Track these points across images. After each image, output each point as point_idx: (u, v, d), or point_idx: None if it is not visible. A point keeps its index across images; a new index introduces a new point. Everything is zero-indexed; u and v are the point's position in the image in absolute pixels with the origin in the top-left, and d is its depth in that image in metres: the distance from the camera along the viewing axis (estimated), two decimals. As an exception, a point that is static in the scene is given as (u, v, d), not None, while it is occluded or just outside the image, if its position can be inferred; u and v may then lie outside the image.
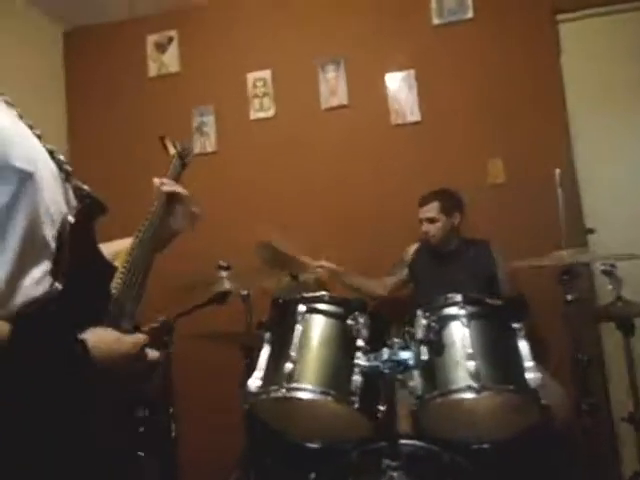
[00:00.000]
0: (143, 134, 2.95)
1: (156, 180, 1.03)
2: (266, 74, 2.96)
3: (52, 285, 0.72)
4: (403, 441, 1.47)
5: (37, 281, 0.71)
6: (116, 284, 0.84)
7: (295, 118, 2.91)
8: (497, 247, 2.31)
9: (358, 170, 2.82)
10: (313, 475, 1.75)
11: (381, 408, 1.38)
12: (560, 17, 2.72)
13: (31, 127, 0.85)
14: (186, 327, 2.18)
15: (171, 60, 3.10)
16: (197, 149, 2.98)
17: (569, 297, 1.47)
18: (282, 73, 2.95)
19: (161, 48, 3.14)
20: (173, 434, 1.81)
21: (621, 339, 1.71)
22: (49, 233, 0.73)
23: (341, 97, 2.87)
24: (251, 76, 2.97)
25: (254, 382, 1.47)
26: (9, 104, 0.82)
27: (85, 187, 0.88)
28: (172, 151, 1.13)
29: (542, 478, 1.67)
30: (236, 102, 2.97)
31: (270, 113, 2.94)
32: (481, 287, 2.15)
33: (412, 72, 2.80)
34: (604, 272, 1.69)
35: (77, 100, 3.17)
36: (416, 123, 2.79)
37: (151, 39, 3.12)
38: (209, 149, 3.00)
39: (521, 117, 2.65)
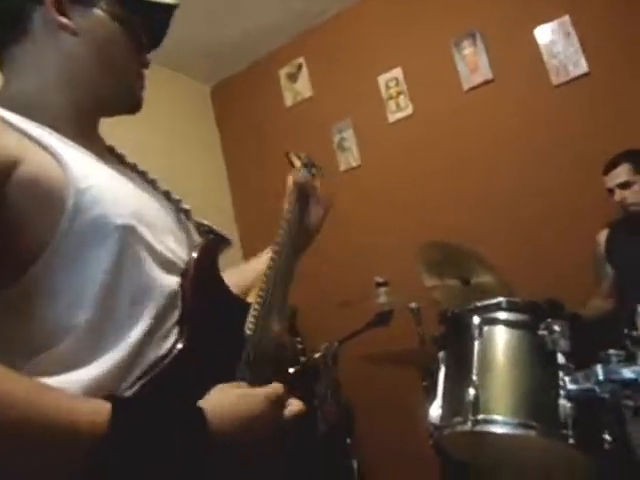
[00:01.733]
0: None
1: (288, 179, 0.96)
2: (397, 72, 2.78)
3: (175, 343, 0.62)
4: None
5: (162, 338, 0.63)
6: (251, 321, 0.73)
7: (435, 109, 2.65)
8: None
9: (518, 151, 2.43)
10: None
11: (607, 440, 1.04)
12: None
13: (144, 173, 0.81)
14: (355, 349, 2.09)
15: (303, 86, 3.13)
16: (342, 167, 2.93)
17: None
18: (413, 66, 2.73)
19: (293, 77, 3.19)
20: (355, 467, 1.68)
21: None
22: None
23: (484, 72, 2.53)
24: (382, 78, 2.82)
25: (435, 411, 1.26)
26: (116, 154, 0.79)
27: (206, 222, 0.81)
28: (297, 164, 1.04)
29: None
30: (372, 108, 2.84)
31: (408, 111, 2.74)
32: None
33: (566, 18, 2.33)
34: None
35: (232, 148, 3.39)
36: (584, 76, 2.30)
37: (283, 72, 3.20)
38: (353, 164, 2.91)
39: None
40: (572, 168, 2.28)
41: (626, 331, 1.11)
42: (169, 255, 0.68)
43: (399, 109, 2.77)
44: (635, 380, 0.93)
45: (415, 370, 2.03)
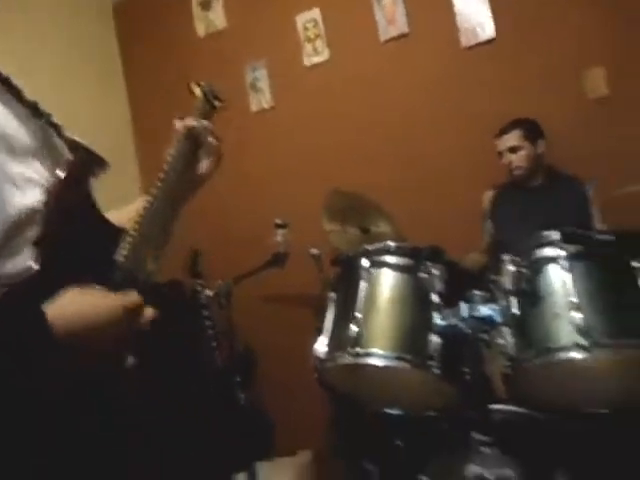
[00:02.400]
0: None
1: (175, 121, 0.87)
2: (315, 13, 2.70)
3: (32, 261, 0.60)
4: (496, 407, 1.26)
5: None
6: (124, 248, 0.71)
7: (352, 58, 2.63)
8: (591, 181, 1.94)
9: (426, 106, 2.51)
10: (399, 442, 1.61)
11: (466, 372, 1.17)
12: None
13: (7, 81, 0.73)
14: (253, 289, 2.11)
15: (217, 16, 2.93)
16: (254, 108, 2.84)
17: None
18: (331, 8, 2.66)
19: (206, 5, 2.98)
20: (242, 403, 1.75)
21: None
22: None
23: (400, 25, 2.54)
24: (300, 18, 2.73)
25: (320, 347, 1.33)
26: None
27: (79, 140, 0.76)
28: (197, 92, 0.97)
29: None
30: (288, 50, 2.76)
31: (324, 56, 2.69)
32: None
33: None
34: None
35: (135, 76, 3.13)
36: (490, 41, 2.39)
37: (195, -1, 2.96)
38: (265, 105, 2.83)
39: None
40: (473, 129, 2.40)
41: (492, 276, 1.23)
42: (28, 174, 0.64)
43: (316, 53, 2.71)
44: (489, 317, 1.05)
45: (314, 314, 2.11)
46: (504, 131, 2.12)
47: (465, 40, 2.44)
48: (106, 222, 0.75)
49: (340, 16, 2.64)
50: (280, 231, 1.85)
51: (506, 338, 1.15)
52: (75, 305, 0.59)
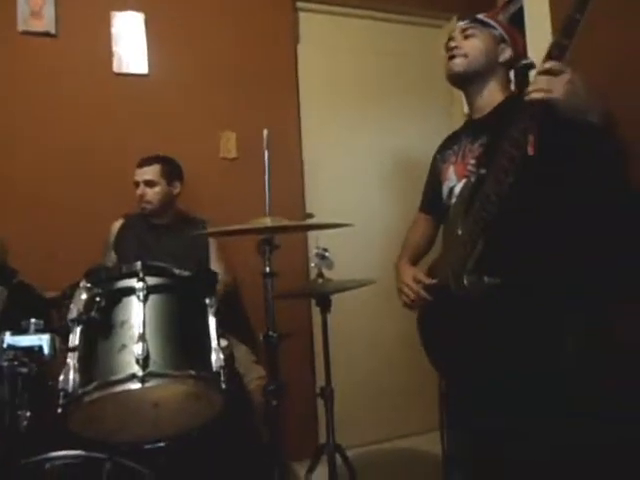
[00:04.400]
0: None
1: None
2: None
3: None
4: (51, 455, 1.11)
5: None
6: None
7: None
8: (213, 226, 2.14)
9: (61, 120, 2.28)
10: None
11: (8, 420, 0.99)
12: (300, 5, 2.73)
13: None
14: None
15: None
16: None
17: (267, 269, 1.34)
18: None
19: None
20: None
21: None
22: None
23: (48, 23, 2.28)
24: None
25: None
26: None
27: None
28: None
29: (235, 462, 1.54)
30: None
31: None
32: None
33: (142, 15, 2.42)
34: (316, 255, 1.73)
35: None
36: (142, 76, 2.41)
37: None
38: None
39: (255, 93, 2.55)
40: (115, 156, 2.30)
41: (66, 303, 1.13)
42: None
43: None
44: (33, 347, 0.93)
45: None
46: (144, 163, 2.11)
47: (117, 66, 2.38)
48: None
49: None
50: None
51: (68, 373, 1.05)
52: None
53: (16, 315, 1.06)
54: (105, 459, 1.16)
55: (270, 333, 1.32)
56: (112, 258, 2.10)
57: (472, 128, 1.42)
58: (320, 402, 1.85)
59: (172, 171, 2.15)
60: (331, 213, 2.52)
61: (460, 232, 1.28)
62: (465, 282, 1.22)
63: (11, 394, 0.94)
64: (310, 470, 1.77)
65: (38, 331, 0.96)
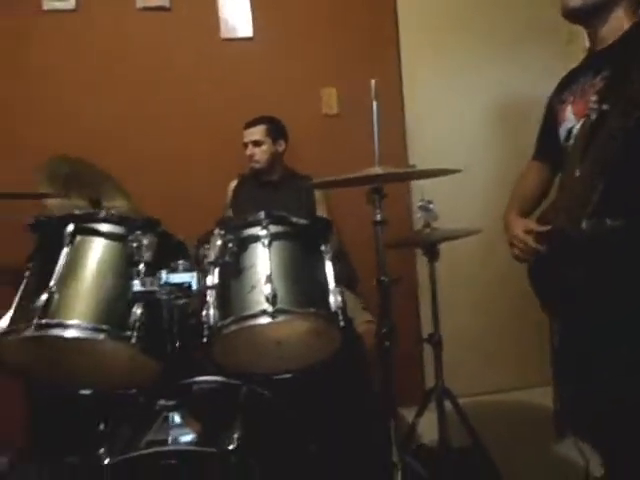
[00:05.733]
0: None
1: None
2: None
3: None
4: (198, 378, 1.30)
5: None
6: None
7: (102, 15, 2.41)
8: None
9: (187, 88, 2.47)
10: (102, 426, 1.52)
11: (166, 342, 1.17)
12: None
13: None
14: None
15: None
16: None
17: (378, 217, 1.39)
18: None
19: None
20: None
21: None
22: None
23: (162, -3, 2.45)
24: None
25: (2, 322, 1.15)
26: None
27: None
28: None
29: (347, 404, 1.66)
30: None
31: (69, 4, 2.40)
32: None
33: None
34: (420, 207, 1.75)
35: None
36: (247, 39, 2.51)
37: None
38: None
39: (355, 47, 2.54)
40: (226, 119, 2.46)
41: (202, 250, 1.28)
42: None
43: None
44: (184, 284, 1.08)
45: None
46: (251, 124, 2.25)
47: (225, 32, 2.50)
48: None
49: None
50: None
51: (210, 308, 1.20)
52: None
53: (164, 258, 1.23)
54: (241, 385, 1.33)
55: (382, 278, 1.38)
56: (229, 214, 2.29)
57: (593, 61, 1.31)
58: (427, 349, 1.90)
59: (276, 130, 2.28)
60: (434, 164, 2.47)
61: (578, 173, 1.22)
62: (584, 226, 1.17)
63: (169, 323, 1.11)
64: (418, 415, 1.84)
65: (186, 270, 1.12)
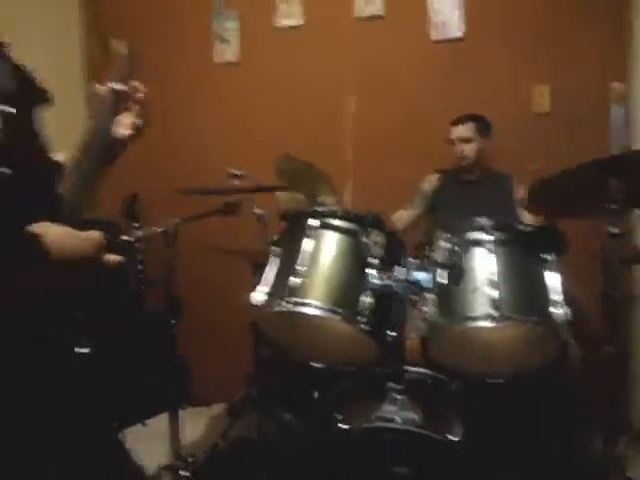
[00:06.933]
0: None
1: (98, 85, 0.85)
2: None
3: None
4: (409, 367, 1.39)
5: None
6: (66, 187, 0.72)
7: (325, 27, 2.67)
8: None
9: (389, 88, 2.61)
10: (316, 395, 1.73)
11: (390, 332, 1.29)
12: None
13: None
14: (200, 238, 2.15)
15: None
16: (217, 59, 2.80)
17: (615, 230, 1.31)
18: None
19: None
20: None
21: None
22: None
23: (377, 6, 2.60)
24: (279, -22, 2.70)
25: (258, 296, 1.39)
26: None
27: (25, 66, 0.75)
28: (122, 51, 0.89)
29: (552, 417, 1.60)
30: (261, 7, 2.73)
31: (298, 21, 2.70)
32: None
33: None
34: None
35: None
36: (458, 40, 2.52)
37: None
38: (231, 58, 2.79)
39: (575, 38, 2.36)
40: (427, 115, 2.53)
41: (425, 251, 1.36)
42: None
43: (290, 16, 2.71)
44: (421, 282, 1.18)
45: (252, 269, 2.15)
46: (460, 121, 2.28)
47: (435, 34, 2.56)
48: (48, 154, 0.76)
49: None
50: (235, 182, 1.87)
51: (430, 304, 1.29)
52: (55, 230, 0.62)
53: (390, 255, 1.34)
54: (450, 381, 1.39)
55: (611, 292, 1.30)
56: (422, 207, 2.35)
57: None
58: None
59: (485, 127, 2.27)
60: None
61: None
62: None
63: (399, 315, 1.23)
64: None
65: (420, 269, 1.22)
